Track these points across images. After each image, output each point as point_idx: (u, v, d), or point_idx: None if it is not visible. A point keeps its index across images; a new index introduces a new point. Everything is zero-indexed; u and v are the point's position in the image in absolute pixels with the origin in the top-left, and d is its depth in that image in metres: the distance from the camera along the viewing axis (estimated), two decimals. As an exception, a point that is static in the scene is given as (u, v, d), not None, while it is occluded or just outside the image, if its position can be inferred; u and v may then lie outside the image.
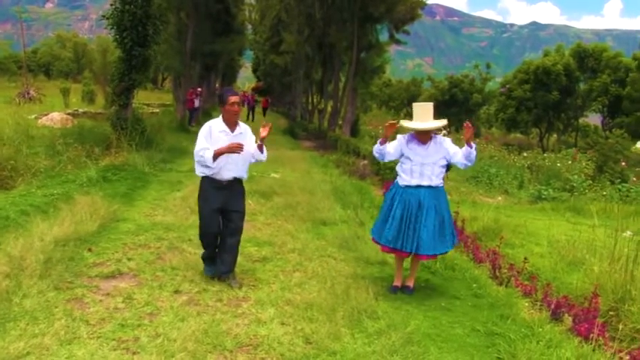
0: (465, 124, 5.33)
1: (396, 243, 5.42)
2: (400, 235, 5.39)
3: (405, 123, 5.55)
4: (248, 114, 38.69)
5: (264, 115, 44.90)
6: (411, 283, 5.70)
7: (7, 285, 4.81)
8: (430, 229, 5.32)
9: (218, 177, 5.37)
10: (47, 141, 12.06)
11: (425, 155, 5.41)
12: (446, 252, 5.69)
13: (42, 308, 4.51)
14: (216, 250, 5.67)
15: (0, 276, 4.95)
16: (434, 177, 5.41)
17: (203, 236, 5.59)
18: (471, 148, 5.34)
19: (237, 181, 5.51)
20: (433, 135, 5.49)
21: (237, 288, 5.39)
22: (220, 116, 5.39)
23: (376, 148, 5.62)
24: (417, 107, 5.55)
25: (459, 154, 5.41)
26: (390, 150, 5.58)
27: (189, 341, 4.11)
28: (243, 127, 5.47)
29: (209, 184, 5.41)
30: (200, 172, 5.38)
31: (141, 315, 4.62)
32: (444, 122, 5.45)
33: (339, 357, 4.12)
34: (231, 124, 5.37)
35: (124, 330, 4.31)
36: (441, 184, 5.52)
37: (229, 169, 5.36)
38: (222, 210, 5.48)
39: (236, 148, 5.10)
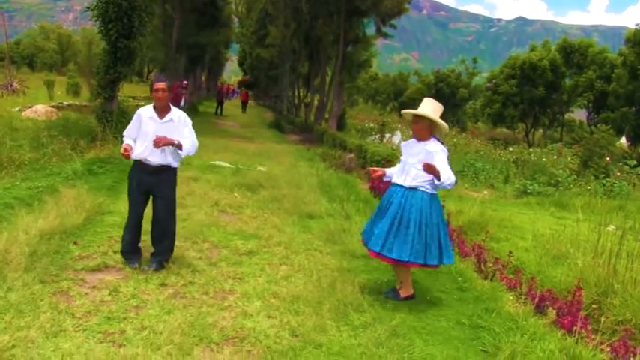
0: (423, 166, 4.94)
1: (365, 234, 5.40)
2: (369, 229, 5.36)
3: (404, 111, 5.55)
4: (217, 108, 35.33)
5: (244, 109, 42.70)
6: (402, 292, 5.36)
7: (-8, 278, 4.77)
8: (385, 225, 5.08)
9: (146, 162, 5.48)
10: (31, 133, 11.93)
11: (410, 154, 5.21)
12: (402, 261, 5.04)
13: (27, 301, 4.48)
14: (138, 237, 5.82)
15: (-16, 269, 4.91)
16: (408, 178, 5.13)
17: (128, 219, 5.72)
18: (439, 181, 4.97)
19: (165, 168, 5.51)
20: (429, 137, 5.18)
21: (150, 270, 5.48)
22: (153, 103, 5.51)
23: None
24: (426, 101, 5.26)
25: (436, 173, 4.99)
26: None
27: (175, 334, 4.12)
28: (175, 115, 5.51)
29: (138, 168, 5.54)
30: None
31: (127, 308, 4.61)
32: (443, 124, 5.13)
33: (324, 349, 4.14)
34: (160, 111, 5.46)
35: (110, 323, 4.30)
36: (421, 188, 5.09)
37: (155, 155, 5.43)
38: (148, 195, 5.64)
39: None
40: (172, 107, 5.55)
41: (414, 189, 5.12)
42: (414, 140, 5.32)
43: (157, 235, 5.71)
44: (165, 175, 5.55)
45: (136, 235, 5.75)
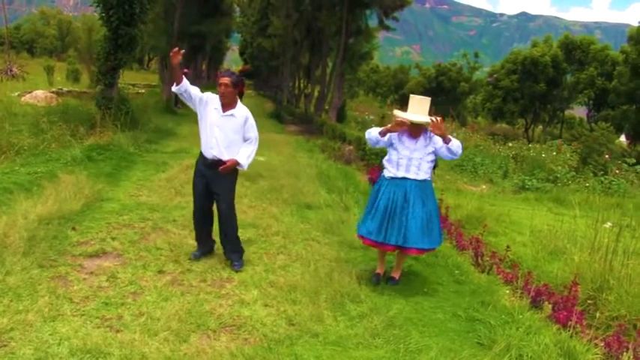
0: (431, 123, 5.12)
1: (379, 235, 5.27)
2: (383, 228, 5.26)
3: (398, 113, 5.42)
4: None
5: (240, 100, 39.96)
6: (396, 275, 5.61)
7: (-10, 261, 4.79)
8: (418, 221, 5.19)
9: (205, 155, 5.40)
10: (31, 119, 11.93)
11: (413, 150, 5.28)
12: (433, 249, 5.52)
13: (25, 285, 4.51)
14: (205, 231, 5.76)
15: (-17, 252, 4.93)
16: (421, 172, 5.28)
17: (193, 212, 5.68)
18: (447, 143, 5.18)
19: (222, 163, 5.31)
20: (425, 130, 5.34)
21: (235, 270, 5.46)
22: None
23: (373, 136, 5.42)
24: (415, 100, 5.33)
25: (444, 148, 5.25)
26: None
27: (172, 320, 4.14)
28: (238, 112, 5.32)
29: (200, 160, 5.47)
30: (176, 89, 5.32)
31: (124, 294, 4.63)
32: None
33: (321, 339, 4.17)
34: (223, 105, 5.30)
35: (107, 308, 4.32)
36: (429, 178, 5.38)
37: (211, 146, 5.32)
38: (208, 190, 5.49)
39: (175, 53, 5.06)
40: (239, 104, 5.37)
41: (425, 181, 5.33)
42: (407, 136, 5.33)
43: (222, 233, 5.63)
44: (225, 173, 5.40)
45: (200, 229, 5.67)
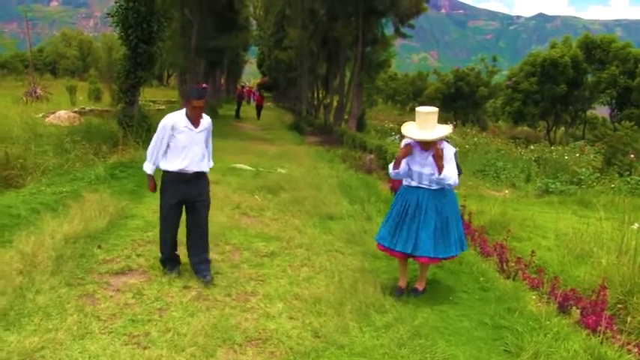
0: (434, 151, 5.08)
1: (389, 241, 5.28)
2: (394, 234, 5.26)
3: (405, 130, 5.28)
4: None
5: (259, 116, 35.82)
6: (420, 287, 5.53)
7: (21, 281, 4.87)
8: (430, 229, 5.12)
9: (185, 171, 5.33)
10: (55, 139, 12.14)
11: (423, 165, 5.20)
12: (451, 257, 5.41)
13: (54, 304, 4.57)
14: (175, 247, 5.72)
15: (13, 273, 5.01)
16: (433, 184, 5.21)
17: (163, 232, 5.59)
18: (439, 173, 5.09)
19: (201, 175, 5.48)
20: (439, 143, 5.14)
21: (206, 283, 5.34)
22: (183, 110, 5.33)
23: (392, 172, 5.39)
24: (420, 114, 5.17)
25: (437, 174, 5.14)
26: (404, 165, 5.33)
27: (199, 336, 4.17)
28: (206, 123, 5.44)
29: (174, 179, 5.35)
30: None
31: (151, 310, 4.68)
32: (447, 131, 5.17)
33: (347, 350, 4.17)
34: (194, 122, 5.33)
35: (134, 325, 4.37)
36: (447, 186, 5.25)
37: (192, 163, 5.33)
38: (184, 202, 5.46)
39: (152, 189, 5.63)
40: (203, 115, 5.43)
41: (441, 189, 5.25)
42: (418, 150, 5.25)
43: (202, 241, 5.57)
44: (203, 180, 5.51)
45: (174, 246, 5.66)
